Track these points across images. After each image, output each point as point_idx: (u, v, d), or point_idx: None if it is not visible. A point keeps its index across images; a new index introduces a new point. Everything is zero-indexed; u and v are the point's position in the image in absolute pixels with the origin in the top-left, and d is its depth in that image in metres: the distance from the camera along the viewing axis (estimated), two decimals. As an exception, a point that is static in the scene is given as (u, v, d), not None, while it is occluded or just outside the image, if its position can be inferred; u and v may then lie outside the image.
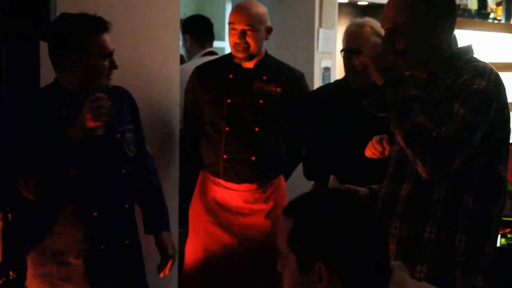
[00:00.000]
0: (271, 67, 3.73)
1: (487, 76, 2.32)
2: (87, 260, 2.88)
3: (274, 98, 3.69)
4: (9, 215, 3.03)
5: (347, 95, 3.38)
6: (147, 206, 3.17)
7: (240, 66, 3.70)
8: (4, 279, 3.04)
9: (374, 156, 2.98)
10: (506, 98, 2.38)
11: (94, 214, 2.88)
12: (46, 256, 2.87)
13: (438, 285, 1.96)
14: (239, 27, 3.61)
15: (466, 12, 5.94)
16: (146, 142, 3.14)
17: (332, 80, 5.04)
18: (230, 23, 3.64)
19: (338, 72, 5.30)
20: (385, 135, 2.91)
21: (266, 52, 3.76)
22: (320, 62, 5.10)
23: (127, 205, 3.00)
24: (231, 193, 3.73)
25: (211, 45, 4.97)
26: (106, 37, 2.82)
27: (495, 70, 2.39)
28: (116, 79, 2.97)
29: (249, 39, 3.62)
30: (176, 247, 3.89)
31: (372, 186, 2.59)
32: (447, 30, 2.44)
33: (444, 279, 2.31)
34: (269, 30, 3.71)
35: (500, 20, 6.33)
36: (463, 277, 2.33)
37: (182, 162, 3.92)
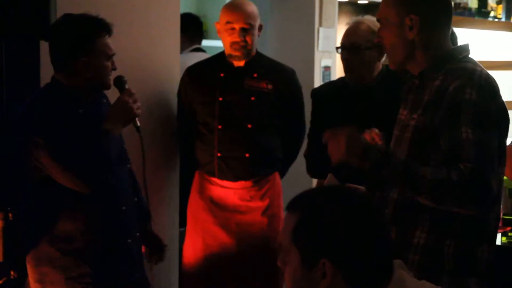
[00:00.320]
0: (261, 65, 3.75)
1: (476, 84, 2.25)
2: (114, 255, 2.93)
3: (266, 95, 3.70)
4: (10, 215, 3.03)
5: (349, 93, 3.38)
6: None
7: (231, 65, 3.71)
8: (5, 278, 3.05)
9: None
10: (500, 101, 2.32)
11: (123, 208, 2.94)
12: (78, 259, 2.87)
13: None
14: (238, 25, 3.62)
15: (466, 11, 5.93)
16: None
17: (332, 79, 5.04)
18: (227, 23, 3.63)
19: (338, 71, 5.30)
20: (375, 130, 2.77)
21: (256, 49, 3.77)
22: (320, 61, 5.10)
23: (136, 199, 3.07)
24: (227, 192, 3.73)
25: (199, 42, 5.15)
26: (109, 39, 2.87)
27: (484, 71, 2.33)
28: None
29: (248, 37, 3.63)
30: (177, 246, 3.90)
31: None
32: (435, 28, 2.38)
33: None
34: (260, 28, 3.73)
35: (500, 18, 6.34)
36: (450, 282, 2.30)
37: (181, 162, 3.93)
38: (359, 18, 3.42)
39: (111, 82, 2.92)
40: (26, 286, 3.02)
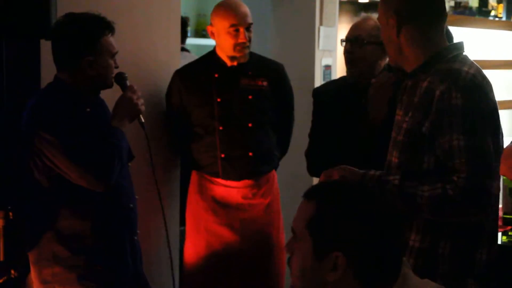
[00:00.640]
0: (253, 62, 3.74)
1: (461, 86, 2.24)
2: (124, 252, 2.95)
3: (262, 92, 3.71)
4: (10, 214, 3.03)
5: (350, 92, 3.38)
6: None
7: (225, 65, 3.70)
8: (5, 277, 3.05)
9: None
10: (489, 100, 2.31)
11: (130, 205, 2.96)
12: (89, 258, 2.88)
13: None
14: (243, 27, 3.62)
15: (467, 10, 5.92)
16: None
17: (332, 78, 5.04)
18: (232, 26, 3.60)
19: (339, 70, 5.29)
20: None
21: None
22: (321, 60, 5.09)
23: (136, 196, 3.08)
24: (230, 191, 3.73)
25: (184, 42, 5.20)
26: (112, 37, 2.88)
27: (471, 71, 2.31)
28: (117, 78, 2.99)
29: (249, 37, 3.64)
30: (178, 245, 3.90)
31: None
32: (419, 26, 2.38)
33: None
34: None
35: (501, 17, 6.32)
36: (446, 285, 2.30)
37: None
38: (368, 14, 3.42)
39: (112, 79, 2.93)
40: (26, 285, 3.02)
